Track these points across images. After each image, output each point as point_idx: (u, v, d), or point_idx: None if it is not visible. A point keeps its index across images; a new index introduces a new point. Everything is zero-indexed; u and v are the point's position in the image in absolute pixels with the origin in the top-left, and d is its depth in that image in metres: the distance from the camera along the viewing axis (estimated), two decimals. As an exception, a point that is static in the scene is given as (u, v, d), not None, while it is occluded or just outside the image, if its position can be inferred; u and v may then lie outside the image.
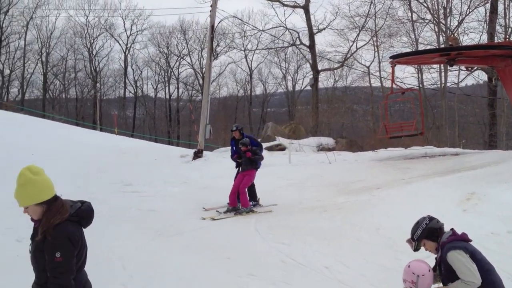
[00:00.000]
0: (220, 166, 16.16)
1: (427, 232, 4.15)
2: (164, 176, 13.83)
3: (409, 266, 4.09)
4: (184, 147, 32.01)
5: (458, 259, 3.84)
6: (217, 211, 9.97)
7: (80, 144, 19.14)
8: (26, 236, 7.61)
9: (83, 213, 3.12)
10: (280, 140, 20.57)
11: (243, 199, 9.96)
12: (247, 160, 10.10)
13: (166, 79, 59.14)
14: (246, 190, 10.14)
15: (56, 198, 3.07)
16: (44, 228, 2.94)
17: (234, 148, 10.81)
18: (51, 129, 24.79)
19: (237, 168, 10.70)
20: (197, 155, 17.66)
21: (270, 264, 6.65)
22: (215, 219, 9.28)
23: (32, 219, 3.07)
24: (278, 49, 40.93)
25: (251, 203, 10.23)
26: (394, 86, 18.37)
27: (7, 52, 54.79)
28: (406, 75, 38.80)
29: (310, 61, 33.76)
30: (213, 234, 8.28)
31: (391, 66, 17.18)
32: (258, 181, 13.26)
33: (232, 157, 10.87)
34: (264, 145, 19.99)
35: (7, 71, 55.09)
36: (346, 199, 10.76)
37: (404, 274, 4.09)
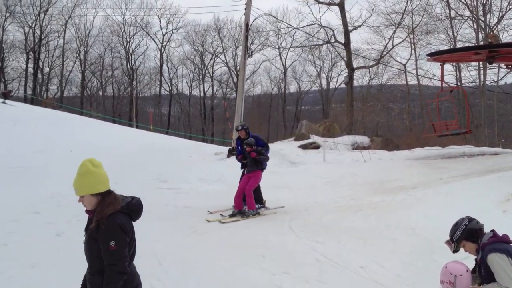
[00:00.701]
0: (254, 163, 16.21)
1: (467, 233, 4.05)
2: (198, 174, 13.95)
3: (446, 267, 4.02)
4: (218, 145, 32.17)
5: (497, 262, 3.75)
6: (221, 214, 9.61)
7: (116, 141, 19.46)
8: (66, 230, 7.87)
9: (133, 206, 3.29)
10: (314, 138, 20.43)
11: (249, 201, 9.59)
12: (252, 160, 9.78)
13: (201, 77, 59.59)
14: (252, 192, 9.77)
15: (110, 191, 3.26)
16: (98, 217, 3.12)
17: (239, 148, 10.51)
18: (89, 126, 25.30)
19: (242, 169, 10.44)
20: (231, 152, 17.71)
21: (304, 263, 6.62)
22: (223, 222, 8.98)
23: (87, 211, 3.26)
24: (312, 46, 40.60)
25: (257, 206, 9.86)
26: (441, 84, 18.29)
27: (47, 51, 56.22)
28: (444, 72, 37.91)
29: (345, 59, 33.42)
30: (247, 232, 8.29)
31: (440, 65, 16.97)
32: (293, 179, 13.27)
33: (237, 157, 10.54)
34: (298, 143, 19.92)
35: (46, 69, 56.55)
36: (382, 198, 10.62)
37: (442, 275, 4.02)
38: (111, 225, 3.08)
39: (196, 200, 10.97)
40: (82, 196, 3.23)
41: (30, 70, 55.69)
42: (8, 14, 53.45)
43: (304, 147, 19.25)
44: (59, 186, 11.33)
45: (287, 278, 6.04)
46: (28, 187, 11.30)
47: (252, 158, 9.73)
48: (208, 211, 9.68)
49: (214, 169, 15.21)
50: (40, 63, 55.89)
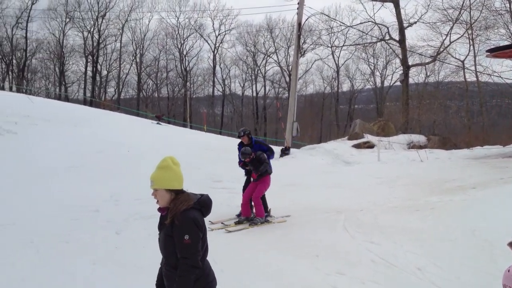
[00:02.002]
0: (307, 163, 16.15)
1: (532, 235, 3.89)
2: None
3: (509, 271, 3.86)
4: (271, 145, 32.23)
5: None
6: (222, 223, 9.06)
7: (171, 141, 19.84)
8: (124, 229, 8.07)
9: (204, 202, 3.42)
10: (368, 137, 20.15)
11: (258, 209, 9.07)
12: (255, 167, 9.17)
13: (253, 77, 59.97)
14: (264, 199, 9.34)
15: (183, 191, 3.40)
16: (172, 212, 3.24)
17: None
18: (145, 126, 25.92)
19: (246, 176, 9.87)
20: (284, 152, 17.74)
21: (359, 263, 6.54)
22: (229, 231, 8.50)
23: (159, 209, 3.39)
24: (366, 44, 40.03)
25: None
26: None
27: (105, 54, 58.15)
28: (505, 68, 36.47)
29: (400, 56, 32.77)
30: (302, 232, 8.26)
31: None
32: (346, 179, 13.13)
33: (239, 164, 9.74)
34: (352, 142, 19.69)
35: (104, 72, 58.47)
36: (439, 199, 10.34)
37: (504, 278, 3.87)
38: (185, 220, 3.20)
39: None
40: (156, 190, 3.35)
41: (89, 73, 57.76)
42: (68, 20, 55.60)
43: (358, 146, 19.01)
44: (117, 186, 11.70)
45: (342, 278, 5.98)
46: (88, 186, 11.69)
47: (254, 164, 9.17)
48: (210, 221, 8.88)
49: (267, 168, 15.25)
50: (99, 66, 57.85)
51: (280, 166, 15.72)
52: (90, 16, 55.98)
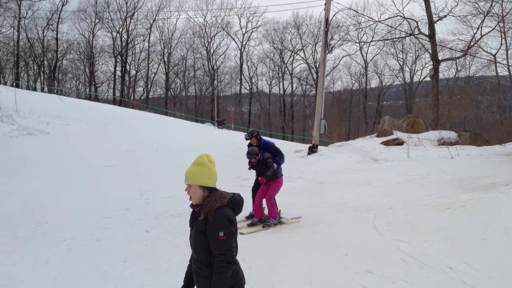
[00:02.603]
0: (336, 161, 16.07)
1: None
2: (280, 171, 14.00)
3: None
4: (299, 142, 32.18)
5: None
6: None
7: (199, 139, 19.98)
8: (154, 227, 8.18)
9: (236, 201, 3.45)
10: (397, 134, 19.93)
11: (271, 210, 8.86)
12: (263, 169, 8.93)
13: (280, 74, 59.98)
14: (274, 200, 9.01)
15: (216, 189, 3.44)
16: (206, 209, 3.29)
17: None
18: (173, 125, 26.15)
19: (256, 177, 9.46)
20: (312, 150, 17.68)
21: (389, 262, 6.47)
22: (242, 233, 8.22)
23: (191, 205, 3.43)
24: (395, 39, 39.53)
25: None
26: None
27: (133, 54, 58.93)
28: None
29: (430, 51, 32.28)
30: (330, 230, 8.22)
31: None
32: (375, 176, 13.01)
33: (248, 166, 9.35)
34: (381, 139, 19.51)
35: (133, 72, 59.21)
36: (471, 196, 10.16)
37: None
38: (219, 217, 3.25)
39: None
40: (190, 186, 3.41)
41: (118, 73, 58.54)
42: (97, 20, 56.45)
43: (387, 143, 18.82)
44: (147, 184, 11.84)
45: (372, 277, 5.93)
46: (119, 185, 11.87)
47: (261, 167, 8.95)
48: None
49: (295, 166, 15.22)
50: (127, 66, 58.62)
51: (308, 164, 15.69)
52: (118, 17, 56.85)
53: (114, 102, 53.06)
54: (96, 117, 23.43)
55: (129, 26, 57.32)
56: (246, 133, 9.61)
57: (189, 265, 3.62)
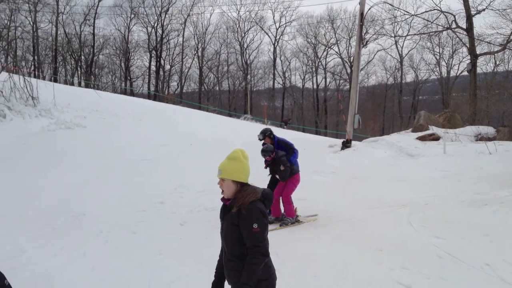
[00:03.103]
0: (370, 156, 15.90)
1: None
2: (313, 166, 13.95)
3: None
4: (332, 137, 31.99)
5: None
6: None
7: (232, 133, 20.06)
8: (188, 220, 8.26)
9: (267, 195, 3.47)
10: (433, 129, 19.56)
11: (287, 208, 8.71)
12: (280, 169, 8.69)
13: (314, 69, 59.64)
14: (291, 198, 8.82)
15: (248, 184, 3.47)
16: (239, 203, 3.32)
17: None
18: (207, 119, 26.33)
19: (271, 174, 9.25)
20: (346, 145, 17.54)
21: (424, 258, 6.38)
22: None
23: (222, 199, 3.47)
24: (431, 33, 38.71)
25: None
26: None
27: (168, 49, 59.57)
28: None
29: (467, 45, 31.53)
30: (365, 225, 8.16)
31: None
32: (411, 172, 12.84)
33: (265, 165, 9.10)
34: (416, 134, 19.21)
35: (167, 67, 59.86)
36: (510, 192, 9.88)
37: None
38: (253, 209, 3.28)
39: (310, 193, 10.99)
40: (223, 180, 3.43)
41: (153, 67, 59.22)
42: (132, 16, 57.24)
43: (422, 138, 18.50)
44: (181, 178, 11.98)
45: (406, 273, 5.86)
46: (154, 178, 12.04)
47: (275, 166, 8.78)
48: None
49: (329, 161, 15.15)
50: (162, 61, 59.23)
51: (341, 159, 15.58)
52: (153, 12, 57.48)
53: (149, 96, 53.75)
54: (131, 111, 23.78)
55: (163, 21, 57.93)
56: (258, 134, 9.34)
57: (219, 259, 3.66)
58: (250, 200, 3.31)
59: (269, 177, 9.30)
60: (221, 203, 3.53)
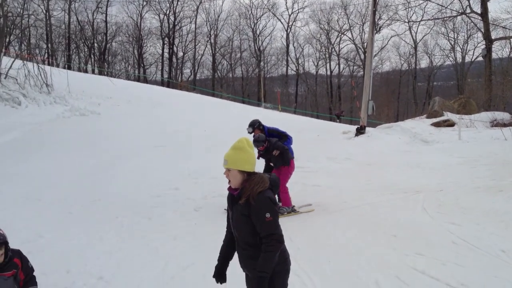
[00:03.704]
0: (384, 142, 15.83)
1: None
2: (327, 152, 13.93)
3: None
4: (346, 124, 31.86)
5: None
6: None
7: (247, 120, 20.04)
8: (203, 206, 8.40)
9: (274, 181, 3.47)
10: (448, 115, 19.38)
11: (284, 197, 8.42)
12: (274, 156, 8.42)
13: (327, 55, 59.28)
14: (287, 187, 8.52)
15: (254, 172, 3.43)
16: (247, 193, 3.30)
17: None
18: (220, 106, 26.34)
19: (266, 164, 8.94)
20: (360, 131, 17.47)
21: (439, 244, 6.35)
22: None
23: (229, 189, 3.46)
24: (445, 18, 38.36)
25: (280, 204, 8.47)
26: None
27: (180, 36, 59.56)
28: None
29: (482, 30, 31.10)
30: (379, 211, 8.14)
31: None
32: (425, 158, 12.77)
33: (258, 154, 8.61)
34: (431, 120, 19.06)
35: (180, 54, 59.85)
36: (526, 179, 9.82)
37: None
38: (263, 199, 3.26)
39: (325, 179, 10.99)
40: (229, 170, 3.41)
41: (166, 55, 59.25)
42: (145, 3, 57.18)
43: (437, 125, 18.36)
44: (195, 164, 12.02)
45: (421, 259, 5.85)
46: (168, 164, 12.11)
47: (271, 155, 8.47)
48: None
49: (343, 147, 15.10)
50: (175, 48, 59.21)
51: (356, 145, 15.53)
52: (165, -1, 57.33)
53: (162, 83, 53.86)
54: (145, 98, 23.88)
55: (176, 8, 57.83)
56: (247, 127, 9.05)
57: (223, 244, 3.69)
58: (258, 190, 3.29)
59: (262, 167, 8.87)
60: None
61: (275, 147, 8.40)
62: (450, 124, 18.34)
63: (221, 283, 3.68)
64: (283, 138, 8.76)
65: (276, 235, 3.25)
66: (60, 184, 10.21)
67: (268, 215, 3.23)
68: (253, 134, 8.94)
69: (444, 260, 5.76)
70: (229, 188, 3.45)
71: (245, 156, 3.39)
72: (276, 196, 8.19)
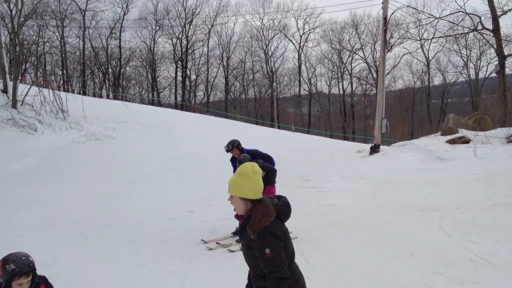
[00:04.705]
0: (399, 160, 15.74)
1: None
2: (341, 172, 13.88)
3: None
4: (360, 142, 31.75)
5: None
6: (217, 243, 7.85)
7: (260, 141, 20.06)
8: (218, 228, 8.41)
9: (280, 208, 3.27)
10: (463, 132, 19.24)
11: None
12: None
13: (339, 74, 59.33)
14: None
15: (261, 200, 3.25)
16: (254, 228, 3.12)
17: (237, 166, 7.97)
18: (234, 128, 26.43)
19: None
20: (374, 150, 17.38)
21: (457, 263, 6.27)
22: (232, 251, 7.32)
23: (236, 216, 3.34)
24: (457, 36, 38.20)
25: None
26: None
27: (193, 59, 60.10)
28: None
29: (495, 46, 30.97)
30: (395, 230, 8.06)
31: None
32: (441, 176, 12.67)
33: None
34: (446, 137, 18.94)
35: (193, 76, 60.34)
36: (544, 195, 9.68)
37: None
38: (264, 234, 3.10)
39: (339, 198, 10.94)
40: (232, 196, 3.30)
41: (179, 78, 59.80)
42: (157, 28, 57.96)
43: (452, 142, 18.22)
44: (209, 187, 12.03)
45: (439, 278, 5.77)
46: (183, 187, 12.15)
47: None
48: (202, 240, 8.03)
49: (357, 167, 15.03)
50: (188, 71, 59.73)
51: (370, 164, 15.45)
52: (178, 23, 58.05)
53: (176, 106, 54.26)
54: (159, 121, 24.06)
55: (188, 32, 58.44)
56: (225, 145, 8.77)
57: (248, 276, 3.51)
58: (266, 224, 3.12)
59: None
60: None
61: (263, 168, 7.86)
62: (465, 141, 18.19)
63: None
64: (266, 160, 8.55)
65: (278, 273, 3.08)
66: (76, 208, 10.29)
67: (267, 251, 3.07)
68: (231, 156, 8.81)
69: (463, 279, 5.69)
70: (236, 216, 3.38)
71: (247, 183, 3.23)
72: None
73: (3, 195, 11.47)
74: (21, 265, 3.33)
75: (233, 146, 8.66)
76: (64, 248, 7.68)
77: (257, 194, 3.24)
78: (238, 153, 8.60)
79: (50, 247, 7.66)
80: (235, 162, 8.56)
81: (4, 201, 10.95)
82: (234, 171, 8.32)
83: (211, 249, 7.49)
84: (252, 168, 3.27)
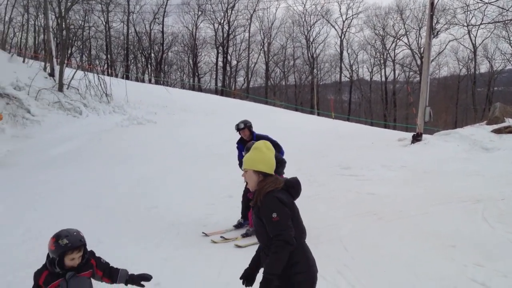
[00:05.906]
0: (442, 150, 15.40)
1: None
2: (381, 160, 13.68)
3: None
4: (401, 131, 31.25)
5: None
6: (221, 236, 7.56)
7: (299, 128, 20.02)
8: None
9: (290, 182, 3.38)
10: (510, 121, 18.68)
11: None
12: None
13: (382, 61, 58.36)
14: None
15: (272, 175, 3.36)
16: (257, 194, 3.26)
17: (243, 153, 7.93)
18: (274, 114, 26.42)
19: None
20: (416, 138, 17.06)
21: (500, 255, 6.12)
22: (239, 246, 7.07)
23: (249, 194, 3.42)
24: (507, 22, 36.91)
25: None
26: None
27: (234, 45, 60.26)
28: None
29: (547, 32, 29.91)
30: (436, 221, 7.92)
31: None
32: (485, 166, 12.34)
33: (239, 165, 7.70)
34: (491, 127, 18.41)
35: (234, 62, 60.57)
36: None
37: None
38: (269, 199, 3.19)
39: (379, 187, 10.79)
40: (246, 171, 3.41)
41: (220, 63, 60.10)
42: (200, 13, 58.31)
43: (498, 131, 17.69)
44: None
45: (481, 270, 5.65)
46: (222, 172, 12.23)
47: None
48: (203, 232, 7.75)
49: (398, 155, 14.78)
50: (229, 57, 59.98)
51: (411, 153, 15.17)
52: (220, 8, 58.26)
53: (216, 92, 54.62)
54: (200, 107, 24.28)
55: (230, 17, 58.58)
56: (238, 123, 8.48)
57: (257, 250, 3.62)
58: (267, 190, 3.22)
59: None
60: None
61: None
62: (511, 130, 17.66)
63: (246, 286, 3.64)
64: (275, 148, 7.93)
65: (283, 236, 3.12)
66: (118, 191, 10.53)
67: (274, 215, 3.14)
68: (239, 132, 8.55)
69: (506, 271, 5.55)
70: (249, 193, 3.45)
71: (260, 156, 3.36)
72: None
73: (50, 176, 11.85)
74: (73, 240, 3.47)
75: (245, 126, 8.41)
76: (106, 229, 7.88)
77: (269, 168, 3.35)
78: (248, 135, 8.36)
79: (93, 229, 7.85)
80: (242, 147, 8.23)
81: (50, 182, 11.32)
82: (239, 156, 8.40)
83: (215, 242, 7.35)
84: (265, 145, 3.43)
